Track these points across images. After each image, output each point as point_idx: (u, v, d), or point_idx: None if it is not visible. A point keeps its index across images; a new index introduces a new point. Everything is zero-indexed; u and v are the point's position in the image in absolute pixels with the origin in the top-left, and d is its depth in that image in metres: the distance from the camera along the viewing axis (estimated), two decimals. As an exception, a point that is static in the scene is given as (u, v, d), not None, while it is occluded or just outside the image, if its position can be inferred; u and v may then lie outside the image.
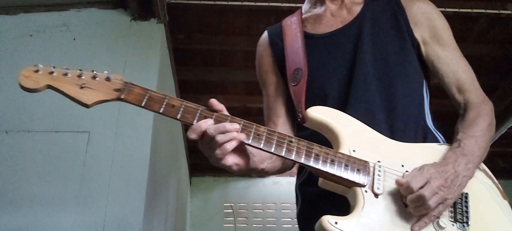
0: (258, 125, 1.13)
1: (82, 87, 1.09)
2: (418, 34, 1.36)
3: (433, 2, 1.43)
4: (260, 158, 1.21)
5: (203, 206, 6.88)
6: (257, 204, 6.88)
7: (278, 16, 3.52)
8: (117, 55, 3.01)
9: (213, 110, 1.11)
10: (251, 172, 1.22)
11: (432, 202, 1.07)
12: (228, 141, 1.07)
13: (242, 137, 1.09)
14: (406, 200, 1.10)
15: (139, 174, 2.72)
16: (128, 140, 2.76)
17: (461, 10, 3.30)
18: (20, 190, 2.60)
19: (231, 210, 6.80)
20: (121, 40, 3.07)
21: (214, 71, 4.17)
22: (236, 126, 1.09)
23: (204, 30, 3.68)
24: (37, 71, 1.11)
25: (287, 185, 6.86)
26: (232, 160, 1.12)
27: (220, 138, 1.06)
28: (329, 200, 1.19)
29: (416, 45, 1.36)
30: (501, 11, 3.39)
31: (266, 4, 3.32)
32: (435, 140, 1.31)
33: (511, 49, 3.78)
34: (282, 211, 6.86)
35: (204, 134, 1.07)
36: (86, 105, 1.09)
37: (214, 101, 1.12)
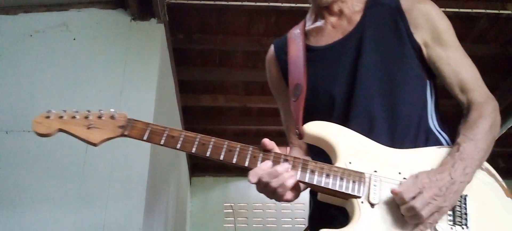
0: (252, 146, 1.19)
1: (89, 128, 1.21)
2: (419, 37, 1.34)
3: (434, 2, 1.41)
4: None
5: (203, 206, 6.88)
6: (257, 204, 6.88)
7: (278, 16, 3.53)
8: (117, 55, 3.01)
9: (266, 149, 1.19)
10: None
11: (424, 213, 1.08)
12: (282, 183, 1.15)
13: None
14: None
15: (139, 174, 2.72)
16: (128, 140, 2.75)
17: (461, 10, 3.30)
18: (20, 190, 2.60)
19: (231, 210, 6.80)
20: (121, 40, 3.06)
21: (214, 71, 4.17)
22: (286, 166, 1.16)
23: (204, 30, 3.68)
24: (48, 117, 1.20)
25: (287, 185, 6.85)
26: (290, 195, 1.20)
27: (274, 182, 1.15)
28: (337, 206, 1.22)
29: (417, 48, 1.34)
30: (501, 11, 3.40)
31: (266, 4, 3.31)
32: (438, 142, 1.29)
33: (511, 49, 3.78)
34: (282, 211, 6.86)
35: (259, 180, 1.15)
36: (94, 144, 1.21)
37: (266, 142, 1.19)
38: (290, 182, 1.15)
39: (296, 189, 1.21)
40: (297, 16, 3.54)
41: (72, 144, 2.75)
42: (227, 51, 3.97)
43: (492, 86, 4.18)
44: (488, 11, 3.39)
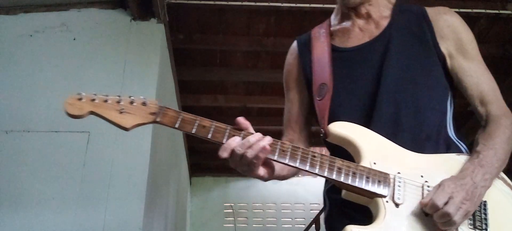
0: (283, 142, 1.22)
1: (121, 112, 1.20)
2: (444, 47, 1.38)
3: (435, 2, 1.44)
4: (281, 166, 1.28)
5: (203, 206, 6.88)
6: (257, 204, 6.88)
7: (278, 16, 3.53)
8: (117, 55, 3.01)
9: (240, 128, 1.21)
10: (275, 179, 1.31)
11: (457, 217, 1.12)
12: (256, 154, 1.15)
13: (268, 149, 1.17)
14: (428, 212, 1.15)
15: (139, 174, 2.72)
16: (128, 140, 2.76)
17: (461, 10, 3.29)
18: (20, 190, 2.60)
19: (231, 210, 6.80)
20: (121, 40, 3.07)
21: (214, 71, 4.17)
22: (258, 136, 1.18)
23: (204, 30, 3.68)
24: (80, 99, 1.19)
25: (287, 185, 6.85)
26: (263, 171, 1.22)
27: (249, 153, 1.15)
28: (355, 206, 1.25)
29: (442, 58, 1.38)
30: (501, 11, 3.40)
31: (266, 4, 3.31)
32: (458, 150, 1.34)
33: (511, 49, 3.78)
34: (282, 211, 6.85)
35: (233, 152, 1.16)
36: (126, 129, 1.20)
37: (240, 120, 1.22)
38: (263, 152, 1.16)
39: (270, 167, 1.24)
40: (297, 16, 3.57)
41: (72, 144, 2.78)
42: (227, 51, 3.97)
43: (492, 86, 4.18)
44: (488, 11, 3.39)
